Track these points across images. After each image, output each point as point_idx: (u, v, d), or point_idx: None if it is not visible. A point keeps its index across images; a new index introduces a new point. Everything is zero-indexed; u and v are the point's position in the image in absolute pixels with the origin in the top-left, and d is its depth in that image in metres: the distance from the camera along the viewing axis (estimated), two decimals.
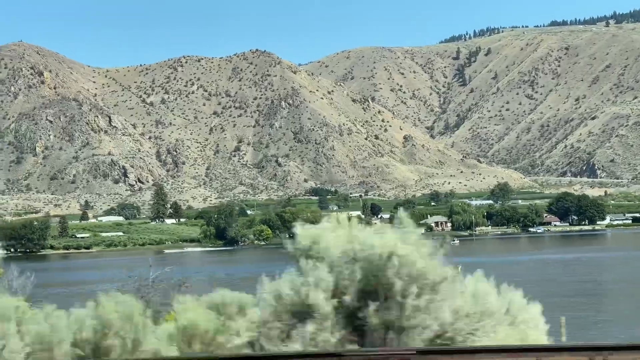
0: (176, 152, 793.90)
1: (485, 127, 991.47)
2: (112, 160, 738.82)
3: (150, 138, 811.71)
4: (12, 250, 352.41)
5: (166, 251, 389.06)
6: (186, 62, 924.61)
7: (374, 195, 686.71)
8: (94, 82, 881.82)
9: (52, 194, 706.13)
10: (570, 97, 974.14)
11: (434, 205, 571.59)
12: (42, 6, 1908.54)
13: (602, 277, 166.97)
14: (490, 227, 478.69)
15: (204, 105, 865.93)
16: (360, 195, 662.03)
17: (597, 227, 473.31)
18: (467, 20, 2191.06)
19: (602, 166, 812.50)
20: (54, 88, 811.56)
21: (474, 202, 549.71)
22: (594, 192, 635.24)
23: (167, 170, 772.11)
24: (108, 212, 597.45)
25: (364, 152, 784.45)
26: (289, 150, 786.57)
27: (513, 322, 13.21)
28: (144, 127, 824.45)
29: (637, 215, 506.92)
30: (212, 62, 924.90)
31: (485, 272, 14.00)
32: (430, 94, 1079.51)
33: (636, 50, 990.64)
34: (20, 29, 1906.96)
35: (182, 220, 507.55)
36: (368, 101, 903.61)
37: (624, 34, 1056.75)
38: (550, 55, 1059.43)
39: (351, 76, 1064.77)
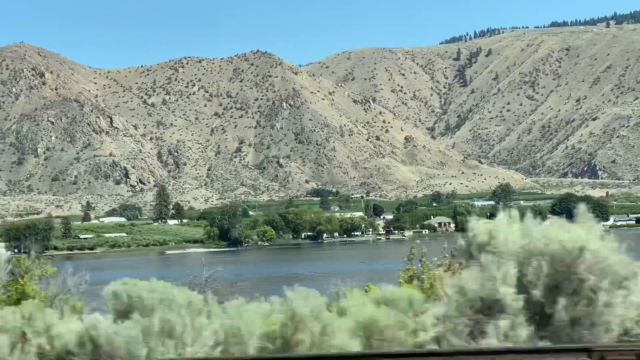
0: (177, 153, 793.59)
1: (486, 128, 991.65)
2: (113, 161, 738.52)
3: (151, 139, 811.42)
4: (16, 250, 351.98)
5: (167, 252, 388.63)
6: (187, 63, 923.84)
7: (375, 196, 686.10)
8: (95, 83, 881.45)
9: (53, 195, 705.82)
10: (571, 98, 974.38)
11: (435, 206, 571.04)
12: (43, 7, 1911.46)
13: None
14: None
15: (205, 106, 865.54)
16: (362, 196, 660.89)
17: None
18: (467, 21, 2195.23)
19: (604, 167, 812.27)
20: (55, 89, 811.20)
21: (477, 203, 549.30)
22: (595, 193, 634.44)
23: (169, 171, 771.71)
24: (110, 213, 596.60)
25: (365, 153, 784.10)
26: (290, 151, 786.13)
27: None
28: (145, 128, 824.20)
29: None
30: (213, 63, 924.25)
31: None
32: (431, 95, 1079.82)
33: (637, 51, 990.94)
34: (21, 30, 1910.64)
35: (184, 221, 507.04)
36: (369, 102, 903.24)
37: (624, 34, 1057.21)
38: (551, 56, 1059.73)
39: (352, 77, 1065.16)
